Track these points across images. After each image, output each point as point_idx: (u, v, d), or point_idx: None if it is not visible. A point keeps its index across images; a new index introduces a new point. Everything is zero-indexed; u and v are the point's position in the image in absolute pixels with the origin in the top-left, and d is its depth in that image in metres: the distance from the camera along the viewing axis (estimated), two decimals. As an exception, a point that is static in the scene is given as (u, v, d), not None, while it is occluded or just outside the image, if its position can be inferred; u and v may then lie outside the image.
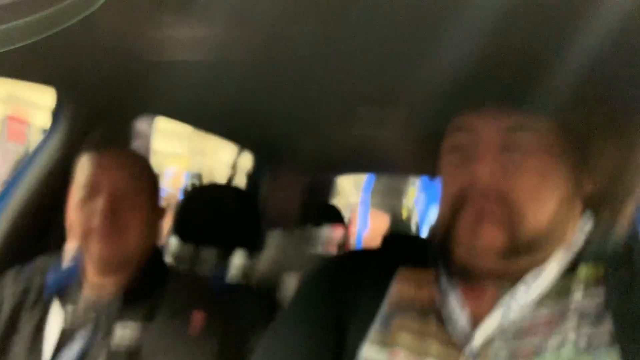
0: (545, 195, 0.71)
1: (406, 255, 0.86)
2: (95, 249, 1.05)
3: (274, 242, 2.27)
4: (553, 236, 0.73)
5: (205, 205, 1.50)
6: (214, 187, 1.62)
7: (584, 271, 0.71)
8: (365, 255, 0.92)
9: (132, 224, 1.07)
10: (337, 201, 3.33)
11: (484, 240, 0.71)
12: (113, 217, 1.04)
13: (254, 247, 1.53)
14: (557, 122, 0.71)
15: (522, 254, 0.72)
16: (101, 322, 1.06)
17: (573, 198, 0.74)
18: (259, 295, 1.38)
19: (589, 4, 0.65)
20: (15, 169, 1.40)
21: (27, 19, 0.46)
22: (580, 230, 0.76)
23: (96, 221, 1.04)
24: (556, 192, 0.72)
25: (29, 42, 0.47)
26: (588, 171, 0.73)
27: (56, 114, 1.39)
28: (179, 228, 1.42)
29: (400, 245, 0.92)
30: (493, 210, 0.71)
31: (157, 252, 1.19)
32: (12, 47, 0.48)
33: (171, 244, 1.54)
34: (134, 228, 1.07)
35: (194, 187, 1.57)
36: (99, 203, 1.04)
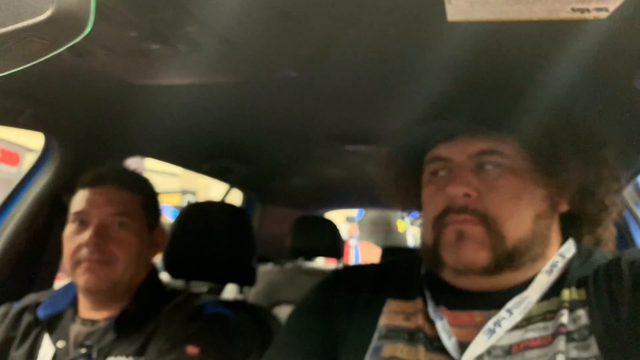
0: (520, 211, 0.74)
1: (401, 270, 0.88)
2: (82, 279, 1.06)
3: (265, 275, 2.26)
4: (532, 251, 0.75)
5: (200, 220, 1.48)
6: (208, 204, 1.60)
7: (567, 294, 0.73)
8: (359, 271, 0.93)
9: (121, 251, 1.07)
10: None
11: (467, 258, 0.73)
12: (101, 244, 1.05)
13: (245, 281, 1.51)
14: (524, 144, 0.74)
15: (504, 268, 0.73)
16: (95, 347, 1.05)
17: (549, 214, 0.77)
18: (254, 313, 1.37)
19: (556, 37, 0.69)
20: (7, 192, 1.38)
21: (17, 46, 0.47)
22: (561, 254, 0.77)
23: (84, 252, 1.05)
24: (531, 208, 0.75)
25: (18, 68, 0.49)
26: (560, 189, 0.76)
27: (45, 154, 1.39)
28: (168, 264, 1.41)
29: (397, 258, 0.93)
30: (472, 227, 0.73)
31: (153, 273, 1.19)
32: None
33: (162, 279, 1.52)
34: (124, 255, 1.08)
35: (189, 204, 1.54)
36: (87, 231, 1.06)
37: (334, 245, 2.48)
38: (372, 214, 4.11)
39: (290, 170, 2.14)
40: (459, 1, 0.53)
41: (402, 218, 4.08)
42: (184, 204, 2.32)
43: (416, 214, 0.92)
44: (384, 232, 3.97)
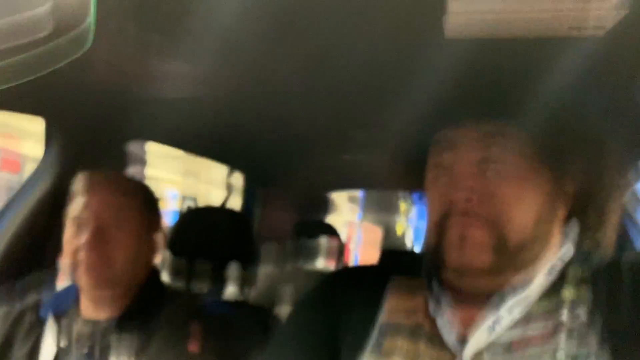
0: (526, 200, 0.74)
1: (400, 271, 0.88)
2: (82, 278, 1.07)
3: (269, 255, 2.28)
4: (534, 252, 0.75)
5: (199, 225, 1.50)
6: (208, 209, 1.62)
7: (567, 293, 0.74)
8: (359, 272, 0.94)
9: (119, 253, 1.08)
10: (333, 218, 3.33)
11: (470, 261, 0.73)
12: (99, 246, 1.06)
13: (248, 261, 1.53)
14: (527, 146, 0.74)
15: (506, 270, 0.74)
16: (96, 346, 1.07)
17: (551, 216, 0.76)
18: (255, 313, 1.38)
19: (557, 46, 0.68)
20: (8, 198, 1.39)
21: (18, 60, 0.48)
22: (562, 255, 0.78)
23: (82, 251, 1.06)
24: (537, 196, 0.74)
25: (19, 82, 0.49)
26: (563, 192, 0.76)
27: (47, 143, 1.40)
28: (172, 245, 1.42)
29: (396, 261, 0.93)
30: (474, 230, 0.73)
31: (154, 274, 1.20)
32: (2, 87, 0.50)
33: (165, 259, 1.54)
34: (121, 256, 1.08)
35: (189, 209, 1.57)
36: (85, 233, 1.06)
37: (336, 228, 2.49)
38: (370, 217, 4.11)
39: (292, 155, 2.14)
40: (457, 19, 0.53)
41: (404, 199, 4.08)
42: (184, 208, 2.34)
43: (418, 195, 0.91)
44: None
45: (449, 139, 0.77)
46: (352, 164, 2.20)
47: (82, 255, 1.05)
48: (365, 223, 4.32)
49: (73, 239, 1.07)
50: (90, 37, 0.51)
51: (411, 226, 4.11)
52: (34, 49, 0.51)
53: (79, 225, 1.07)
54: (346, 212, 4.78)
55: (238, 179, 2.55)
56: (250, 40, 0.72)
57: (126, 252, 1.08)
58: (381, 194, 4.07)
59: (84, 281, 1.06)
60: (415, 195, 0.94)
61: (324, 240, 2.59)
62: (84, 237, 1.05)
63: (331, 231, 2.48)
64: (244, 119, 1.39)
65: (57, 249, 1.12)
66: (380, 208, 3.98)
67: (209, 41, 0.71)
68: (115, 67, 0.83)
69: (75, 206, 1.09)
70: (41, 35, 0.49)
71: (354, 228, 4.40)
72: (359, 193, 4.86)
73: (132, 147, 1.62)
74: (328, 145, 1.83)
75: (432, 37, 0.62)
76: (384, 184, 2.81)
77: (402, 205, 4.01)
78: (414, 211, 4.42)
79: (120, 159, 1.53)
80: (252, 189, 2.66)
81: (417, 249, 3.50)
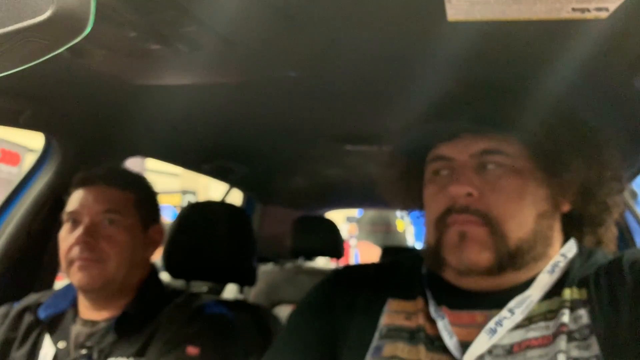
0: (522, 211, 0.74)
1: (401, 270, 0.87)
2: (75, 277, 1.06)
3: (265, 275, 2.26)
4: (534, 250, 0.75)
5: (200, 219, 1.48)
6: (208, 204, 1.59)
7: (569, 294, 0.73)
8: (359, 271, 0.93)
9: (112, 249, 1.07)
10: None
11: (470, 259, 0.73)
12: (90, 246, 1.05)
13: (245, 281, 1.51)
14: (527, 143, 0.74)
15: (506, 268, 0.73)
16: (95, 348, 1.05)
17: (551, 214, 0.77)
18: (254, 313, 1.36)
19: (556, 37, 0.69)
20: (6, 193, 1.38)
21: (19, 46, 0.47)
22: (563, 253, 0.77)
23: (75, 251, 1.05)
24: (533, 208, 0.75)
25: (17, 69, 0.48)
26: (563, 189, 0.76)
27: (45, 154, 1.39)
28: (169, 264, 1.41)
29: (396, 259, 0.93)
30: (474, 228, 0.73)
31: (152, 273, 1.18)
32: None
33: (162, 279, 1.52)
34: (115, 252, 1.07)
35: (189, 204, 1.54)
36: (78, 233, 1.06)
37: (334, 245, 2.48)
38: (371, 213, 4.11)
39: (291, 170, 2.14)
40: (459, 1, 0.53)
41: (402, 217, 4.08)
42: (184, 203, 2.31)
43: (416, 213, 0.92)
44: (383, 231, 3.96)
45: (445, 152, 0.78)
46: (350, 180, 2.21)
47: (75, 251, 1.04)
48: (362, 242, 4.30)
49: (67, 235, 1.06)
50: (91, 20, 0.51)
51: (408, 242, 4.09)
52: (34, 33, 0.50)
53: (73, 220, 1.07)
54: (343, 232, 4.75)
55: (237, 195, 2.55)
56: (252, 29, 0.72)
57: (120, 248, 1.07)
58: (379, 212, 4.07)
59: (77, 279, 1.05)
60: (412, 214, 0.94)
61: (322, 262, 2.58)
62: (77, 234, 1.04)
63: (330, 226, 2.47)
64: (243, 127, 1.39)
65: (57, 247, 1.10)
66: (377, 225, 3.97)
67: (212, 30, 0.71)
68: (113, 57, 0.82)
69: (71, 202, 1.09)
70: (41, 19, 0.49)
71: (352, 244, 4.38)
72: (355, 212, 4.86)
73: (131, 163, 1.61)
74: (326, 159, 1.83)
75: (435, 21, 0.62)
76: (382, 203, 2.80)
77: (401, 223, 4.01)
78: (411, 229, 4.41)
79: (121, 153, 1.53)
80: (251, 205, 2.66)
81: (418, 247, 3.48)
